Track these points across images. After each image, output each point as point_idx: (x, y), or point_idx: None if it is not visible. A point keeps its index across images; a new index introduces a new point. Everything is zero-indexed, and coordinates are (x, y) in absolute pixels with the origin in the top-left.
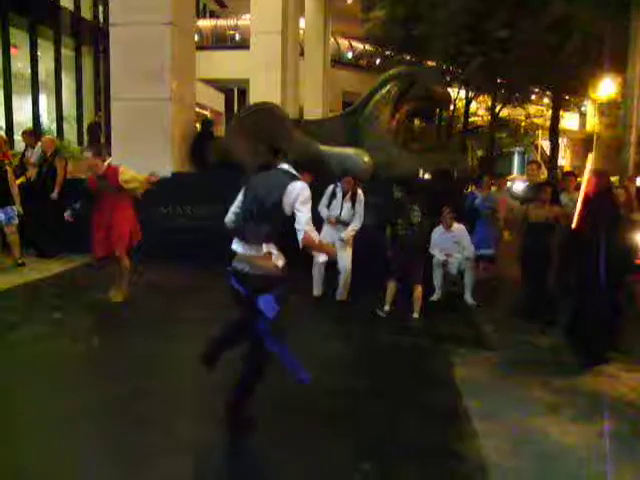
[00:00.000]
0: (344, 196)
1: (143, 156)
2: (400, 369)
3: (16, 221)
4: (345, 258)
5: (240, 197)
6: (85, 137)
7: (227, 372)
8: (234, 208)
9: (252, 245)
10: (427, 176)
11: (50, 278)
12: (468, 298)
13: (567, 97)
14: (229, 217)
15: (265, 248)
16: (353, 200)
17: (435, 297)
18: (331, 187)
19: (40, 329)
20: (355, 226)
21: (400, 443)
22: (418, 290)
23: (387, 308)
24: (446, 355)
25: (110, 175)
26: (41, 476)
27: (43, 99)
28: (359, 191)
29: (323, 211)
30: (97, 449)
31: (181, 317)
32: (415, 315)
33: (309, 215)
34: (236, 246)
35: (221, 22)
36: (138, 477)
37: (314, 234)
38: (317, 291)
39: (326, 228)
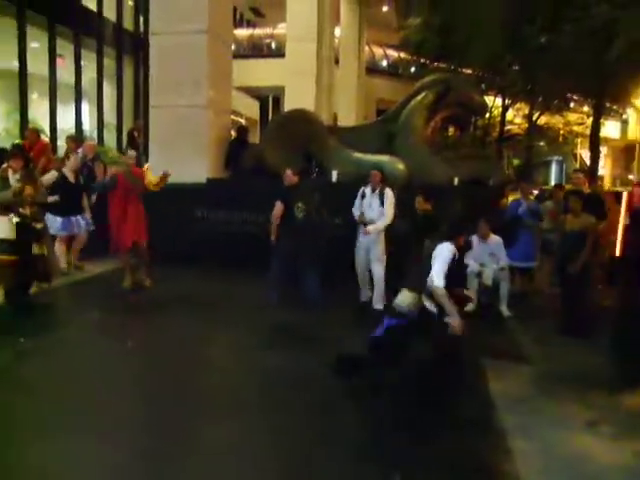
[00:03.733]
0: (372, 192)
1: (179, 162)
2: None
3: (92, 228)
4: (376, 265)
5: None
6: (124, 144)
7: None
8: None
9: None
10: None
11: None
12: (504, 309)
13: (608, 104)
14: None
15: None
16: (381, 198)
17: (470, 307)
18: (361, 189)
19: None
20: (380, 224)
21: (432, 456)
22: None
23: None
24: (481, 368)
25: (143, 176)
26: None
27: (85, 107)
28: (387, 189)
29: (355, 213)
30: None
31: (215, 319)
32: None
33: None
34: None
35: (257, 31)
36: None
37: None
38: (364, 297)
39: (360, 239)
